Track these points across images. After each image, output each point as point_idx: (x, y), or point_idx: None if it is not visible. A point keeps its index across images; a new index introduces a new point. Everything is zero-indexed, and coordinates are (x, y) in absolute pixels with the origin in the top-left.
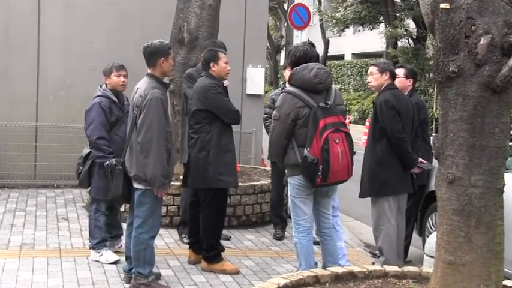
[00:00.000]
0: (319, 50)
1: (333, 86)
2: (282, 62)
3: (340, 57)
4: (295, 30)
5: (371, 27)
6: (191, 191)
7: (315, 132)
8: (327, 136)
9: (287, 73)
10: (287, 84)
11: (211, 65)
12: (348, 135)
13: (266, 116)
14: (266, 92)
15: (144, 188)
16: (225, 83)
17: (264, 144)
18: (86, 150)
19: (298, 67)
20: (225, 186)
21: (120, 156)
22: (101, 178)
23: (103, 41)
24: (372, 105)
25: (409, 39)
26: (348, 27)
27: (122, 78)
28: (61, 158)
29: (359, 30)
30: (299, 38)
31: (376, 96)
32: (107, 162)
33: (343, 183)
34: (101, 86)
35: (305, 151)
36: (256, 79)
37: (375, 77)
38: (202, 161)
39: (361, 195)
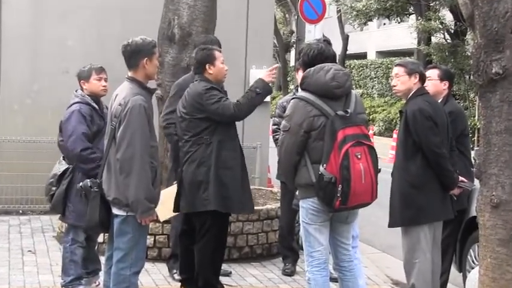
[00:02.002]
0: (337, 47)
1: (353, 91)
2: (292, 63)
3: (362, 55)
4: (307, 24)
5: (399, 20)
6: (183, 216)
7: (333, 145)
8: (347, 150)
9: (300, 76)
10: (299, 89)
11: (207, 67)
12: (371, 149)
13: (275, 127)
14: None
15: (125, 214)
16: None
17: (271, 161)
18: (61, 168)
19: (312, 68)
20: (230, 210)
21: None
22: (82, 201)
23: (77, 38)
24: (399, 114)
25: (445, 33)
26: (371, 20)
27: (103, 82)
28: (27, 178)
29: (384, 24)
30: (312, 33)
31: (405, 103)
32: (81, 184)
33: (365, 207)
34: (76, 91)
35: (321, 168)
36: None
37: (401, 80)
38: (202, 178)
39: (392, 225)
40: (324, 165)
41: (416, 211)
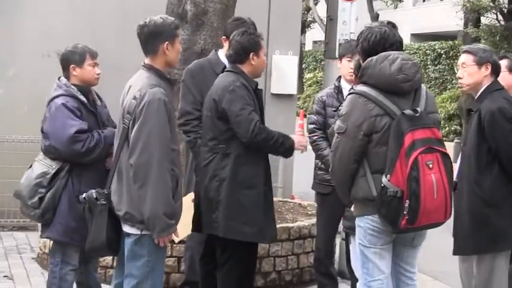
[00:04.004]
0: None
1: (423, 85)
2: (308, 46)
3: None
4: (341, 1)
5: None
6: (203, 237)
7: (399, 152)
8: (417, 158)
9: (344, 65)
10: (341, 80)
11: (251, 56)
12: (445, 157)
13: (313, 126)
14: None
15: (139, 232)
16: None
17: (304, 170)
18: (54, 165)
19: (375, 58)
20: (241, 239)
21: (101, 187)
22: (72, 212)
23: (62, 16)
24: (466, 113)
25: (498, 14)
26: None
27: (97, 70)
28: None
29: (423, 1)
30: (347, 12)
31: (476, 100)
32: (84, 196)
33: (437, 227)
34: (59, 79)
35: (383, 179)
36: (286, 72)
37: (469, 71)
38: (212, 195)
39: (460, 252)
40: (388, 175)
41: (492, 235)
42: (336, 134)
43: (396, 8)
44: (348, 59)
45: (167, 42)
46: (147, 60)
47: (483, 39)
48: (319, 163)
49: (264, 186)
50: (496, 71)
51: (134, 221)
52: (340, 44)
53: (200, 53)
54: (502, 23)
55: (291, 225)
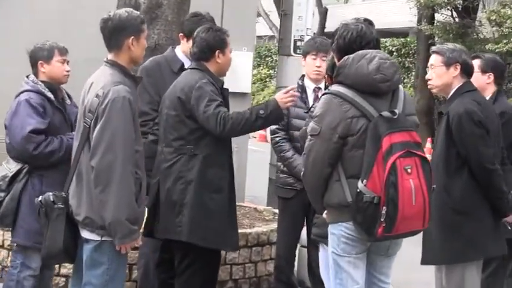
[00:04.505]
0: (312, 23)
1: (400, 86)
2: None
3: None
4: None
5: None
6: (158, 243)
7: (376, 156)
8: (395, 162)
9: (308, 63)
10: (305, 80)
11: (217, 53)
12: (424, 162)
13: (276, 127)
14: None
15: (99, 238)
16: None
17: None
18: (12, 167)
19: (351, 56)
20: (206, 245)
21: (59, 189)
22: (34, 213)
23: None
24: (437, 116)
25: (453, 10)
26: None
27: (66, 66)
28: None
29: None
30: (303, 6)
31: (446, 102)
32: (40, 198)
33: (414, 235)
34: (27, 77)
35: (359, 185)
36: (240, 69)
37: (437, 72)
38: (176, 198)
39: (429, 261)
40: (364, 180)
41: (462, 244)
42: (309, 136)
43: (347, 2)
44: (313, 56)
45: (132, 37)
46: (110, 56)
47: (437, 36)
48: (282, 165)
49: (228, 192)
50: (467, 71)
51: (94, 226)
52: (295, 41)
53: (154, 48)
54: (457, 20)
55: (248, 231)
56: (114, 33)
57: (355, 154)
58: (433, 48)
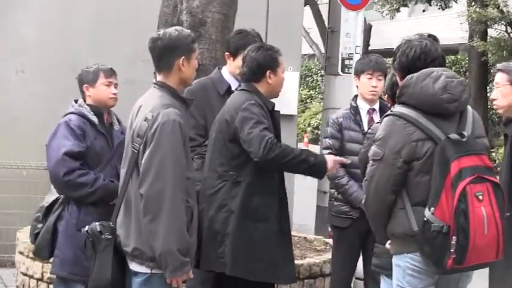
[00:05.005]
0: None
1: (469, 106)
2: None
3: (388, 52)
4: (344, 11)
5: (443, 6)
6: (206, 274)
7: (444, 181)
8: (465, 189)
9: (363, 82)
10: (358, 100)
11: (268, 74)
12: (496, 187)
13: (329, 151)
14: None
15: (149, 271)
16: None
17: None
18: (49, 198)
19: (415, 75)
20: (252, 278)
21: (105, 217)
22: (69, 242)
23: (35, 25)
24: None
25: (507, 26)
26: (406, 5)
27: (113, 89)
28: None
29: (424, 11)
30: (351, 23)
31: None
32: (87, 228)
33: (486, 267)
34: (76, 102)
35: (426, 213)
36: (287, 90)
37: (503, 92)
38: (218, 228)
39: None
40: (432, 208)
41: None
42: (371, 161)
43: (393, 18)
44: (369, 76)
45: (183, 57)
46: (159, 77)
47: (491, 53)
48: (335, 193)
49: (279, 222)
50: None
51: (144, 258)
52: (343, 59)
53: (197, 69)
54: None
55: (300, 262)
56: (164, 53)
57: (421, 180)
58: (499, 65)
